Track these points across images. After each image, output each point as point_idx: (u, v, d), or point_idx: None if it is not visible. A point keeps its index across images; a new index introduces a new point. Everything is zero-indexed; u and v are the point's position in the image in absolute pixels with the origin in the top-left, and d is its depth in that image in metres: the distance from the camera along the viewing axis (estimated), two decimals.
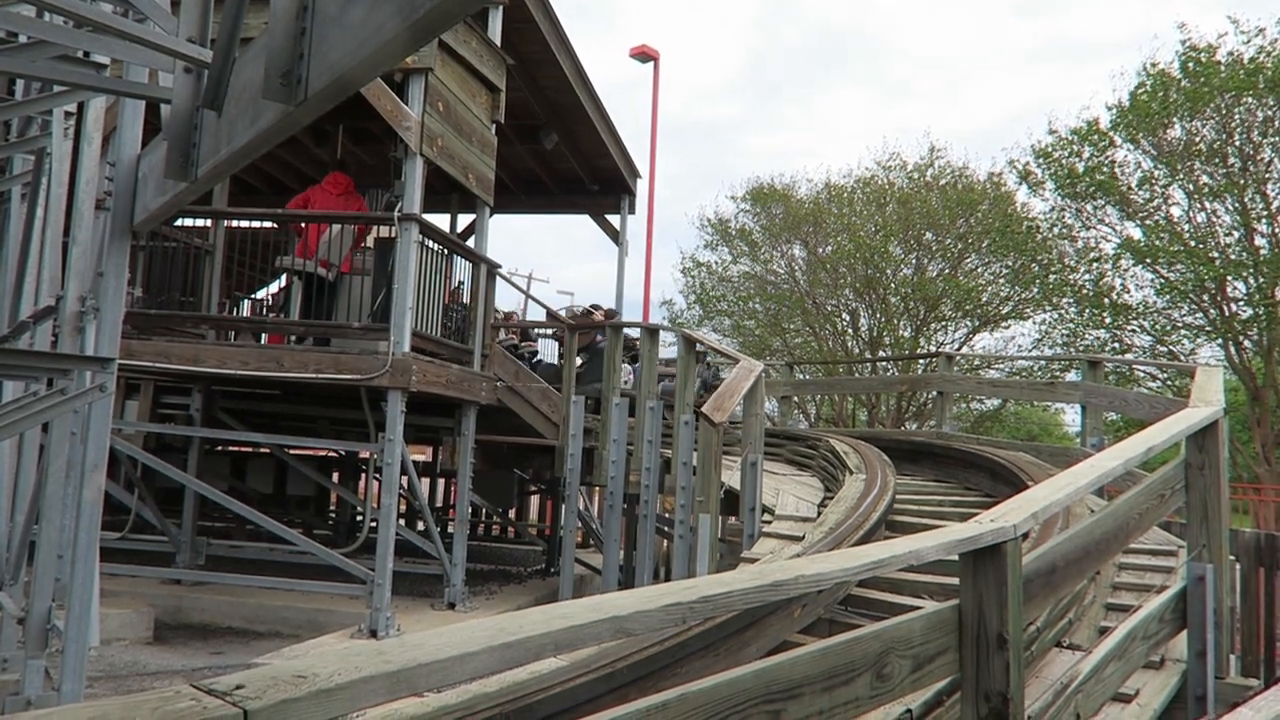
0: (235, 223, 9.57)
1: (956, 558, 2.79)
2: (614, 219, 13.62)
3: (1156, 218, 20.39)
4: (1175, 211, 20.52)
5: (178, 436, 8.90)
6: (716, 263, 28.07)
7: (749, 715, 2.07)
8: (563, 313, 11.95)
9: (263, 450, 10.33)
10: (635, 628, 1.72)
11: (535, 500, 14.85)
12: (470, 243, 9.87)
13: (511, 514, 13.86)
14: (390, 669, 1.33)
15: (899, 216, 24.92)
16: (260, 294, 11.33)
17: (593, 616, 1.64)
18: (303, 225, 8.42)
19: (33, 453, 6.08)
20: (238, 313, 9.40)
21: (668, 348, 15.29)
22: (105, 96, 6.13)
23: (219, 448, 10.80)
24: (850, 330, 26.35)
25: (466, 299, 9.58)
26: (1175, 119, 19.69)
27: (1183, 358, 20.22)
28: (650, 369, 9.03)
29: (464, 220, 12.66)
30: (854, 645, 2.39)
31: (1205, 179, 19.73)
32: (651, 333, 9.40)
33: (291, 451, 10.22)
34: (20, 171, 7.35)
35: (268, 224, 10.17)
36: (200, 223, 9.79)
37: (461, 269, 9.42)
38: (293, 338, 8.19)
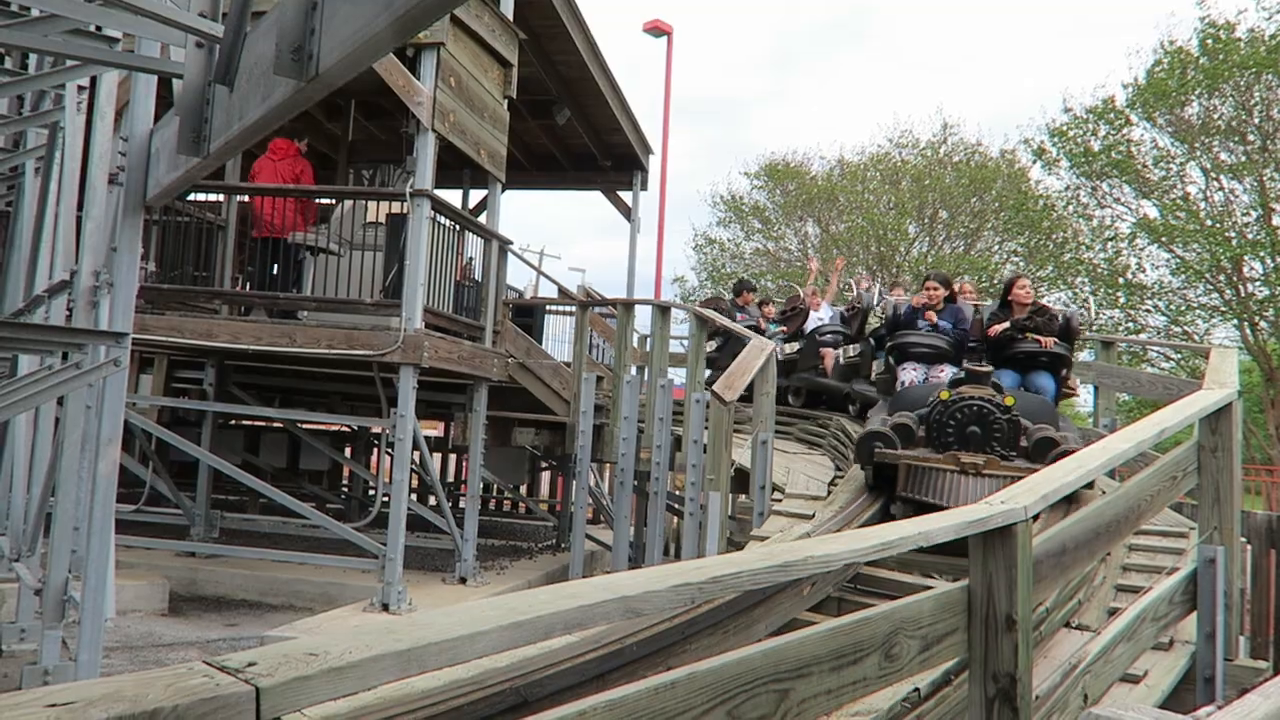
0: (247, 197, 9.58)
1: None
2: (626, 195, 13.57)
3: (1174, 195, 20.20)
4: (1192, 190, 20.33)
5: (192, 410, 8.97)
6: (729, 240, 27.99)
7: (757, 694, 2.08)
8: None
9: (276, 425, 10.40)
10: (644, 607, 1.73)
11: (546, 476, 14.91)
12: (482, 219, 9.85)
13: (523, 489, 13.93)
14: (401, 647, 1.34)
15: (913, 194, 24.76)
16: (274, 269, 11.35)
17: (602, 596, 1.65)
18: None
19: (48, 426, 6.14)
20: (250, 287, 9.42)
21: (680, 325, 15.27)
22: (118, 71, 6.14)
23: (233, 422, 10.87)
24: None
25: (478, 275, 9.58)
26: (1193, 97, 19.45)
27: (1197, 338, 20.10)
28: (662, 347, 9.03)
29: (475, 196, 12.64)
30: (863, 625, 2.40)
31: (1224, 157, 19.51)
32: (663, 311, 9.38)
33: (304, 426, 10.28)
34: (34, 146, 7.38)
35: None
36: (212, 197, 9.81)
37: (473, 245, 9.41)
38: (304, 314, 8.20)
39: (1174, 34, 20.25)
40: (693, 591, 1.83)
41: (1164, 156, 20.15)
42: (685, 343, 12.19)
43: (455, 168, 11.68)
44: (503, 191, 9.40)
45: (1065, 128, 21.57)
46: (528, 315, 11.57)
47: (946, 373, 7.19)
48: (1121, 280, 20.92)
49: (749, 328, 9.16)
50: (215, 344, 7.62)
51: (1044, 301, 7.89)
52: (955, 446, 6.00)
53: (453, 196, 12.18)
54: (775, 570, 2.07)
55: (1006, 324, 7.28)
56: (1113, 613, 4.81)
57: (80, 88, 6.60)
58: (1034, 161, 22.84)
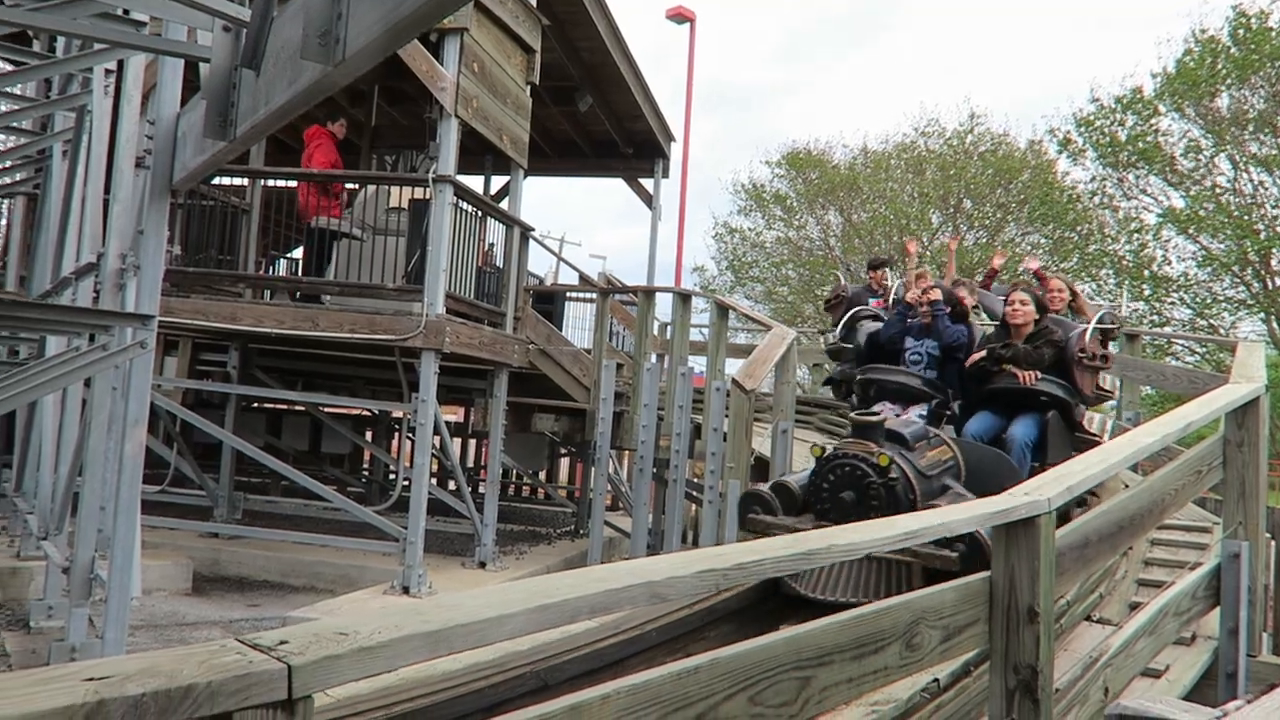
0: (271, 182, 9.64)
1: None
2: (647, 183, 13.54)
3: (1204, 185, 19.94)
4: (1221, 181, 20.06)
5: (215, 393, 9.04)
6: (750, 228, 27.89)
7: (779, 680, 2.09)
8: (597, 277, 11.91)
9: (298, 408, 10.48)
10: (669, 593, 1.74)
11: (565, 462, 14.95)
12: (503, 205, 9.86)
13: (542, 475, 13.98)
14: (430, 629, 1.35)
15: (937, 183, 24.57)
16: (295, 253, 11.43)
17: (628, 581, 1.65)
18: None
19: (75, 407, 6.21)
20: (274, 271, 9.51)
21: (700, 314, 15.24)
22: (145, 55, 6.18)
23: (255, 405, 10.96)
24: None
25: (498, 261, 9.59)
26: (1223, 87, 19.16)
27: (1223, 332, 19.86)
28: (682, 335, 9.02)
29: (497, 182, 12.65)
30: (885, 614, 2.39)
31: (1254, 148, 19.24)
32: (684, 298, 9.37)
33: (326, 410, 10.36)
34: (61, 129, 7.44)
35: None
36: (237, 181, 9.86)
37: (494, 231, 9.43)
38: (328, 298, 8.25)
39: (1205, 22, 19.97)
40: (717, 578, 1.83)
41: (1194, 147, 19.89)
42: (705, 331, 12.18)
43: (477, 154, 11.69)
44: (525, 178, 9.40)
45: (1092, 117, 21.33)
46: (548, 302, 11.59)
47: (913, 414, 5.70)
48: (1147, 272, 20.70)
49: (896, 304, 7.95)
50: (239, 327, 7.68)
51: (1055, 319, 6.13)
52: (831, 515, 4.65)
53: (474, 182, 12.20)
54: (799, 558, 2.08)
55: (982, 353, 5.79)
56: (1134, 607, 4.78)
57: (107, 71, 6.64)
58: (1060, 152, 22.60)
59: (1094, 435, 6.15)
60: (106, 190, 6.18)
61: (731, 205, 28.39)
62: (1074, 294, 6.83)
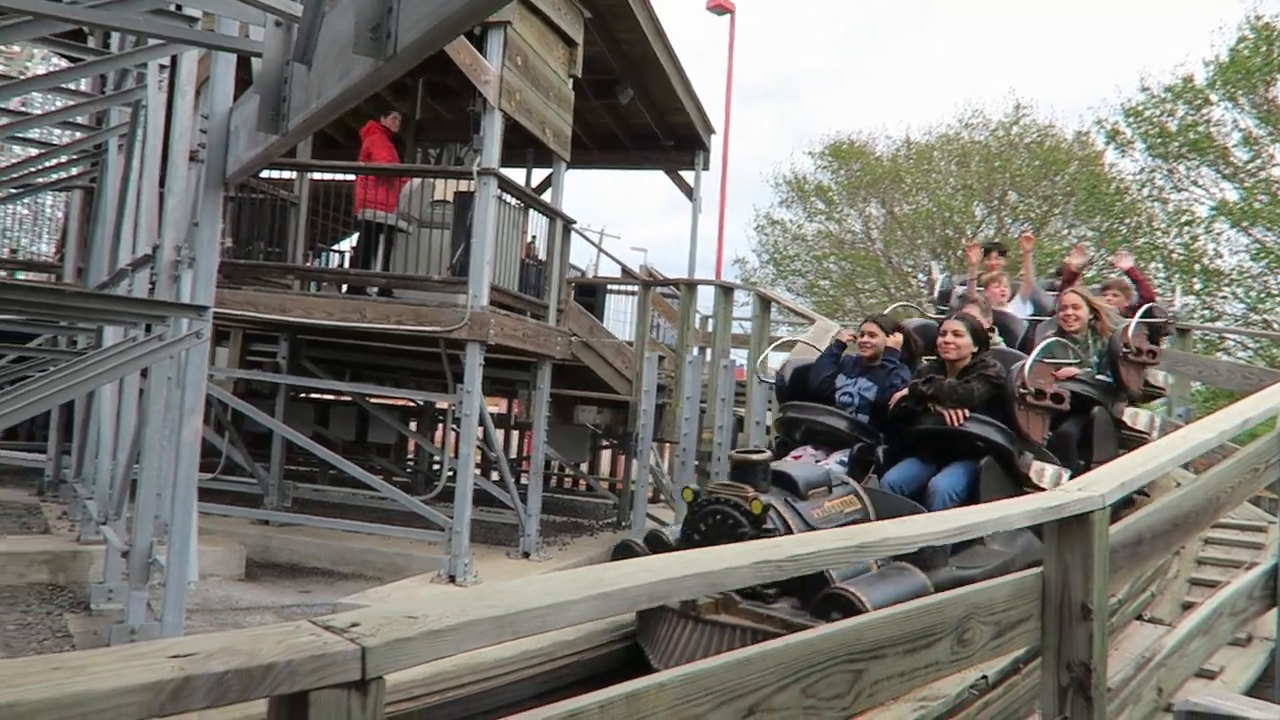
0: (316, 175, 9.77)
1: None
2: (688, 175, 13.52)
3: (1260, 177, 19.45)
4: (1277, 173, 19.56)
5: (266, 383, 9.20)
6: (791, 220, 27.72)
7: (831, 673, 2.09)
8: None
9: (345, 398, 10.62)
10: (726, 583, 1.75)
11: (607, 454, 15.01)
12: (545, 197, 9.91)
13: (584, 467, 14.05)
14: (495, 614, 1.38)
15: (981, 175, 24.23)
16: (341, 245, 11.59)
17: (685, 571, 1.67)
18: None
19: (132, 395, 6.36)
20: (327, 262, 9.63)
21: (741, 307, 15.20)
22: (197, 50, 6.29)
23: (304, 395, 11.14)
24: (925, 290, 25.83)
25: (540, 254, 9.65)
26: (1279, 75, 18.68)
27: (1277, 326, 19.39)
28: (724, 328, 9.01)
29: (538, 175, 12.70)
30: (938, 609, 2.39)
31: None
32: (726, 291, 9.36)
33: (373, 400, 10.50)
34: (117, 124, 7.61)
35: (349, 176, 10.37)
36: (285, 175, 10.01)
37: (535, 224, 9.49)
38: (375, 289, 8.36)
39: (1261, 8, 19.44)
40: (772, 569, 1.84)
41: (1248, 139, 19.41)
42: (747, 324, 12.15)
43: (519, 146, 11.75)
44: (566, 171, 9.44)
45: (1141, 107, 20.89)
46: (590, 294, 11.63)
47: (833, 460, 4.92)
48: (1198, 266, 20.26)
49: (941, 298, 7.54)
50: (289, 318, 7.81)
51: (1000, 351, 5.41)
52: None
53: (516, 175, 12.27)
54: (852, 550, 2.08)
55: (904, 391, 4.93)
56: (1187, 607, 4.71)
57: (161, 67, 6.77)
58: (1108, 144, 22.17)
59: (1142, 432, 5.90)
60: (161, 183, 6.31)
61: (774, 197, 28.22)
62: (1095, 312, 5.92)
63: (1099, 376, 5.85)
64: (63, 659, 1.14)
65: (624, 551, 4.11)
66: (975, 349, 4.95)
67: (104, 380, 5.59)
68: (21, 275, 12.30)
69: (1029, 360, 4.84)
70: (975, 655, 2.59)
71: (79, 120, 8.26)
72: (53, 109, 9.49)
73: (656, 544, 4.03)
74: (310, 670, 1.17)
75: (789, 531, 3.75)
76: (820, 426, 4.96)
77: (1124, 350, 5.66)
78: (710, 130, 13.31)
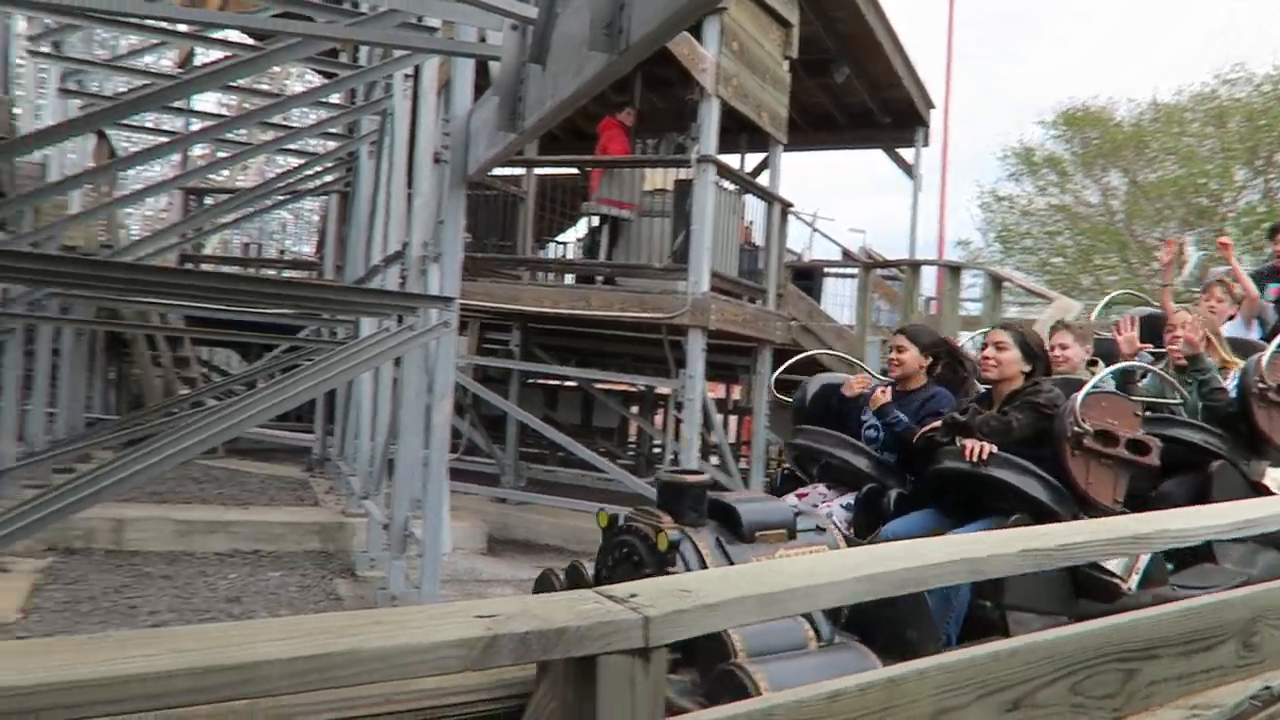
0: (541, 170, 10.20)
1: None
2: (907, 153, 13.04)
3: None
4: None
5: (499, 369, 9.75)
6: (1020, 195, 26.11)
7: (1101, 670, 1.98)
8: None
9: (571, 383, 11.07)
10: (990, 570, 1.69)
11: None
12: (760, 181, 9.87)
13: None
14: (763, 591, 1.41)
15: (1243, 135, 21.80)
16: (563, 236, 12.05)
17: (948, 556, 1.63)
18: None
19: (387, 380, 6.93)
20: (562, 253, 10.05)
21: (967, 288, 14.50)
22: (438, 58, 6.73)
23: (533, 380, 11.71)
24: (1177, 270, 23.57)
25: (756, 239, 9.62)
26: None
27: None
28: (952, 309, 8.65)
29: (751, 160, 12.66)
30: (1219, 609, 2.20)
31: None
32: (953, 271, 8.98)
33: (597, 385, 10.88)
34: (367, 132, 8.27)
35: (570, 170, 10.78)
36: (517, 171, 10.52)
37: (751, 209, 9.47)
38: (599, 278, 8.66)
39: None
40: (1040, 558, 1.76)
41: None
42: (974, 305, 11.59)
43: (734, 132, 11.74)
44: (782, 153, 9.36)
45: None
46: (807, 278, 11.49)
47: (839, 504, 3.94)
48: None
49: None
50: (521, 308, 8.24)
51: (1064, 378, 4.04)
52: None
53: (731, 160, 12.29)
54: (1126, 542, 1.95)
55: (937, 422, 3.81)
56: None
57: (405, 76, 7.30)
58: None
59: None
60: (408, 184, 6.83)
61: (1000, 171, 26.71)
62: (1213, 337, 4.44)
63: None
64: (381, 614, 1.27)
65: (543, 584, 3.28)
66: (1028, 368, 3.70)
67: (364, 368, 6.11)
68: (287, 274, 13.69)
69: (1084, 390, 3.45)
70: (1265, 662, 2.37)
71: (334, 130, 9.04)
72: (308, 122, 10.42)
73: (574, 575, 3.24)
74: (599, 635, 1.24)
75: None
76: (836, 461, 3.94)
77: (1260, 386, 4.12)
78: (930, 105, 12.77)
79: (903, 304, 9.37)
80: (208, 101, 17.36)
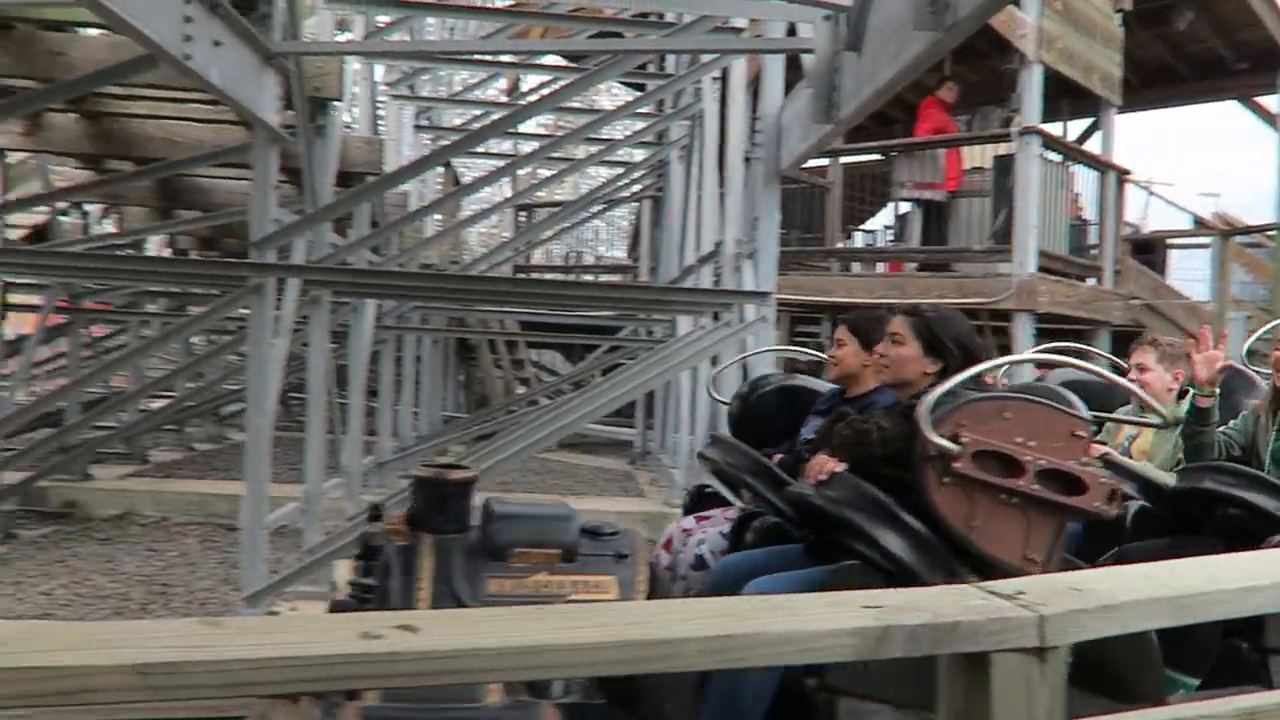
0: (846, 159, 10.03)
1: None
2: (1267, 101, 11.37)
3: None
4: None
5: (809, 360, 9.74)
6: None
7: None
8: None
9: None
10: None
11: None
12: (1089, 148, 9.07)
13: None
14: (1168, 594, 1.30)
15: None
16: (869, 224, 11.78)
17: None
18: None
19: (702, 375, 7.14)
20: (871, 241, 9.87)
21: None
22: (744, 57, 6.84)
23: None
24: None
25: (1084, 212, 8.85)
26: None
27: None
28: None
29: (1074, 128, 11.63)
30: None
31: None
32: None
33: None
34: (676, 137, 8.59)
35: (874, 157, 10.51)
36: (823, 162, 10.45)
37: (1079, 179, 8.71)
38: (914, 265, 8.40)
39: None
40: None
41: None
42: None
43: (1054, 98, 10.86)
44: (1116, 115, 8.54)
45: None
46: (1147, 252, 10.38)
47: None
48: None
49: None
50: (831, 299, 8.17)
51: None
52: None
53: (1053, 130, 11.39)
54: None
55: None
56: None
57: (713, 79, 7.48)
58: None
59: None
60: (720, 184, 7.00)
61: None
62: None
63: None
64: (774, 601, 1.32)
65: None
66: (935, 368, 2.42)
67: (684, 366, 6.34)
68: (605, 278, 14.55)
69: (944, 386, 2.16)
70: None
71: (646, 139, 9.46)
72: (622, 134, 10.98)
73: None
74: (991, 632, 1.21)
75: (404, 604, 2.20)
76: (730, 474, 2.89)
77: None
78: None
79: (1275, 276, 8.21)
80: (528, 123, 18.84)
